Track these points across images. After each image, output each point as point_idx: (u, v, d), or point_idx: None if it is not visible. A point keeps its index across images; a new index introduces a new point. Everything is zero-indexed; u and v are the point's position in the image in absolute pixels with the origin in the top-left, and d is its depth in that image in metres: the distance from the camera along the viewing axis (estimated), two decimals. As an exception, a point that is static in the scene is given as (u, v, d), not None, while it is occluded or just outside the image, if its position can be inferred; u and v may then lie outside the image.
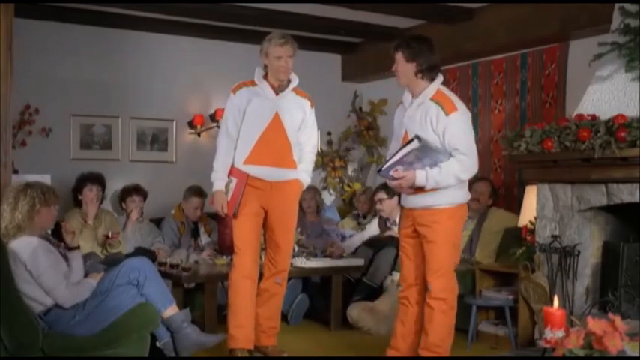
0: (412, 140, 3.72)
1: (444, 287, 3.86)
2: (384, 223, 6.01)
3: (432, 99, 3.81)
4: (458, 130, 3.75)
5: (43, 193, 3.84)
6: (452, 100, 3.83)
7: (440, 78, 3.89)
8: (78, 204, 5.72)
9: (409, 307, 4.01)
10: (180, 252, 5.66)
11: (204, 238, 5.98)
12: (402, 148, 3.76)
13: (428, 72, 3.83)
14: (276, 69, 4.24)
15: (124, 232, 5.74)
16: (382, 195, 5.87)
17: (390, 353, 4.08)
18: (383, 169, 3.79)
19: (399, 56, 3.85)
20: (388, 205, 5.86)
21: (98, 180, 5.77)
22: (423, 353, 3.91)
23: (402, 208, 4.11)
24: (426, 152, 3.71)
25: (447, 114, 3.74)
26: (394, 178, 3.79)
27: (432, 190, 3.79)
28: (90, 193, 5.65)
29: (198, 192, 6.02)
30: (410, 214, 3.97)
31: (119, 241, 5.53)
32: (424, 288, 3.96)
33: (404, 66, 3.84)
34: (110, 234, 5.50)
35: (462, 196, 3.92)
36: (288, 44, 4.22)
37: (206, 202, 5.92)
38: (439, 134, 3.75)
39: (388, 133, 7.30)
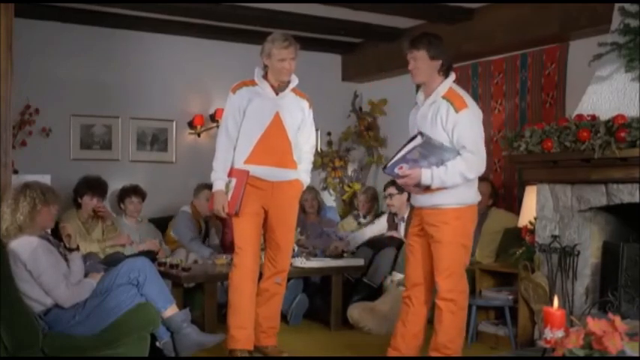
0: (415, 136, 3.68)
1: (452, 288, 3.83)
2: (392, 219, 6.04)
3: (443, 97, 3.79)
4: (466, 127, 3.73)
5: (42, 193, 3.84)
6: (462, 98, 3.81)
7: (452, 76, 3.87)
8: (77, 204, 5.72)
9: (410, 307, 3.99)
10: (180, 252, 5.67)
11: (212, 239, 5.99)
12: (405, 145, 3.72)
13: (447, 70, 3.84)
14: (279, 70, 4.24)
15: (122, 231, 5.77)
16: (392, 190, 5.91)
17: (391, 353, 4.07)
18: (387, 166, 3.77)
19: (422, 54, 3.79)
20: (398, 200, 5.90)
21: (101, 191, 5.75)
22: (433, 354, 3.91)
23: (411, 206, 4.12)
24: (430, 150, 3.67)
25: (456, 111, 3.72)
26: (399, 176, 3.77)
27: (440, 189, 3.76)
28: (90, 203, 5.66)
29: (208, 185, 6.05)
30: (419, 212, 3.96)
31: (112, 222, 5.63)
32: (431, 288, 3.95)
33: (426, 63, 3.80)
34: (96, 207, 5.57)
35: (471, 196, 3.87)
36: (292, 46, 4.22)
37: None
38: (448, 132, 3.73)
39: (388, 133, 7.32)
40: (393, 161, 3.75)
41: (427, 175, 3.71)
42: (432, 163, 3.71)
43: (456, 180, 3.72)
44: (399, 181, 3.84)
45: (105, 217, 5.68)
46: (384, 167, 3.81)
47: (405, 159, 3.71)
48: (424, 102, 3.88)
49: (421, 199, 3.89)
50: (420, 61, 3.81)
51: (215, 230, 6.05)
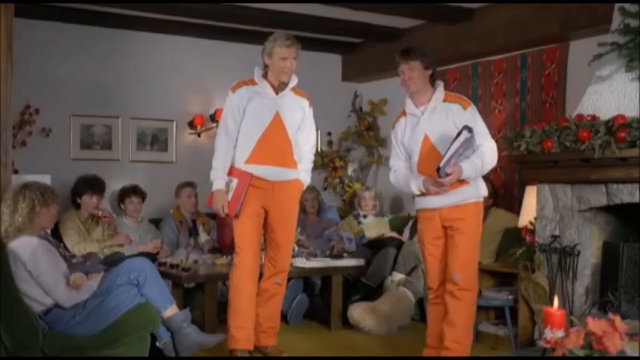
0: (461, 132, 3.80)
1: (471, 279, 3.97)
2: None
3: (445, 100, 4.01)
4: (478, 121, 3.99)
5: (41, 194, 3.84)
6: (462, 97, 4.13)
7: (441, 83, 4.11)
8: (76, 205, 5.72)
9: (442, 306, 4.05)
10: (180, 252, 5.67)
11: (203, 237, 5.99)
12: (453, 142, 3.80)
13: (434, 78, 4.08)
14: (279, 69, 4.24)
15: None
16: None
17: (427, 353, 4.11)
18: (441, 165, 3.79)
19: (417, 64, 4.00)
20: None
21: (99, 189, 5.75)
22: (450, 346, 3.94)
23: (420, 211, 4.12)
24: (471, 143, 3.84)
25: (464, 109, 3.97)
26: (447, 175, 3.81)
27: (463, 184, 3.90)
28: (90, 201, 5.65)
29: (189, 183, 6.15)
30: (435, 214, 4.00)
31: (114, 226, 5.63)
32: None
33: (421, 73, 4.01)
34: (99, 213, 5.58)
35: (484, 189, 4.08)
36: (294, 45, 4.23)
37: (201, 200, 5.94)
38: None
39: (388, 133, 7.30)
40: (446, 158, 3.77)
41: (467, 168, 3.84)
42: (466, 156, 3.86)
43: (486, 168, 3.97)
44: (444, 180, 3.82)
45: (109, 223, 5.65)
46: (438, 169, 3.78)
47: (457, 154, 3.80)
48: (424, 109, 4.03)
49: (438, 200, 3.96)
50: (416, 71, 4.01)
51: (204, 228, 6.05)
